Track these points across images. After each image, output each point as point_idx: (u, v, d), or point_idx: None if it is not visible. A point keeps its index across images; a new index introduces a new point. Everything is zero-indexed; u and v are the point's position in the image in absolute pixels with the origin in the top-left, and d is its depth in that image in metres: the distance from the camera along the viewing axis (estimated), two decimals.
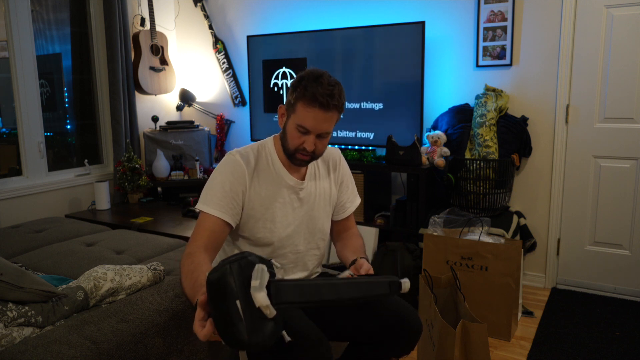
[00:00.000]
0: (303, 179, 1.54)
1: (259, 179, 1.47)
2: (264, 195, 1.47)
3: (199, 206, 1.41)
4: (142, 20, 3.67)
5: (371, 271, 1.38)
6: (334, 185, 1.63)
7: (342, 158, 1.67)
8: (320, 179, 1.59)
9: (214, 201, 1.40)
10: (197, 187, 3.47)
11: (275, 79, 3.38)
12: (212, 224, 1.38)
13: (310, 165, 1.57)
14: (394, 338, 1.46)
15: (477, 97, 2.83)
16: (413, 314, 1.48)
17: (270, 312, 0.89)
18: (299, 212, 1.53)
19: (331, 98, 1.35)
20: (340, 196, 1.65)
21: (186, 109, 4.03)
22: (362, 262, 1.41)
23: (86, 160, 3.41)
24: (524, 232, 2.91)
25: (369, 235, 2.86)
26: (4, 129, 3.09)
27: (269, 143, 1.53)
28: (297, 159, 1.44)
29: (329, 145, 1.65)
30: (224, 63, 3.83)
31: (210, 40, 3.86)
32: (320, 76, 1.36)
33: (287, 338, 1.02)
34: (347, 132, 3.16)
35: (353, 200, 1.69)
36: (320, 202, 1.58)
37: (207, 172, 3.63)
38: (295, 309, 1.42)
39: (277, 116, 1.59)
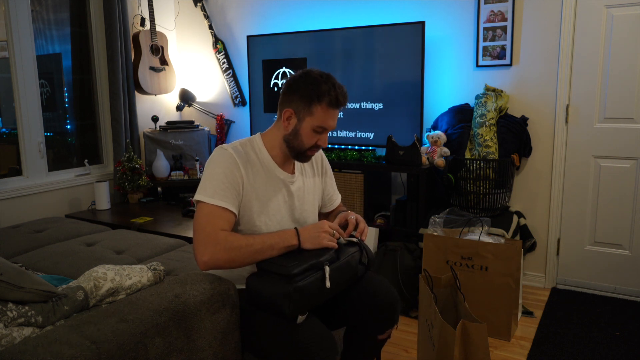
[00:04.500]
0: (292, 173, 1.59)
1: (252, 173, 1.49)
2: (258, 188, 1.49)
3: (205, 199, 1.40)
4: (142, 20, 3.67)
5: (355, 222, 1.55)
6: (318, 180, 1.70)
7: (324, 155, 1.77)
8: (306, 173, 1.65)
9: (219, 193, 1.40)
10: (197, 187, 3.47)
11: (275, 79, 3.38)
12: (226, 215, 1.40)
13: (296, 162, 1.62)
14: (369, 314, 1.50)
15: (477, 97, 2.83)
16: (383, 286, 1.53)
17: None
18: (290, 205, 1.57)
19: (347, 97, 1.48)
20: (326, 189, 1.73)
21: (186, 109, 4.03)
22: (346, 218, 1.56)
23: (86, 160, 3.41)
24: (524, 232, 2.91)
25: (369, 235, 2.86)
26: (4, 129, 3.09)
27: (256, 139, 1.56)
28: (307, 156, 1.53)
29: None
30: (224, 63, 3.83)
31: (210, 40, 3.86)
32: (328, 77, 1.45)
33: (328, 284, 1.35)
34: (347, 132, 3.16)
35: (337, 193, 1.80)
36: (309, 196, 1.64)
37: None
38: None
39: (275, 116, 1.63)
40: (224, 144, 1.51)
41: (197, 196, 1.42)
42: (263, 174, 1.51)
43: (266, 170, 1.52)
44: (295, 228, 1.43)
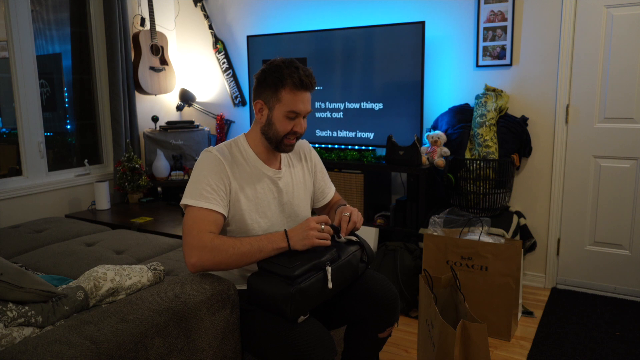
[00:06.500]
0: (279, 168, 1.59)
1: (239, 172, 1.50)
2: (246, 187, 1.50)
3: (191, 202, 1.41)
4: (142, 20, 3.67)
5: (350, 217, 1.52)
6: (307, 173, 1.69)
7: (312, 148, 1.75)
8: (294, 168, 1.65)
9: (204, 195, 1.41)
10: None
11: None
12: (213, 217, 1.41)
13: (283, 156, 1.63)
14: (370, 313, 1.51)
15: (477, 97, 2.83)
16: (383, 284, 1.53)
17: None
18: (280, 200, 1.58)
19: (312, 78, 1.48)
20: (316, 183, 1.73)
21: (186, 109, 4.03)
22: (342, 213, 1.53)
23: (86, 160, 3.41)
24: (524, 232, 2.91)
25: (369, 235, 2.86)
26: (4, 129, 3.09)
27: (241, 139, 1.58)
28: (285, 144, 1.52)
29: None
30: (224, 63, 3.83)
31: (210, 40, 3.86)
32: (292, 62, 1.46)
33: (330, 285, 1.36)
34: (347, 132, 3.16)
35: (330, 187, 1.78)
36: (299, 190, 1.64)
37: None
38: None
39: None
40: (209, 147, 1.53)
41: (184, 200, 1.43)
42: (250, 173, 1.52)
43: (253, 168, 1.53)
44: (285, 230, 1.42)
